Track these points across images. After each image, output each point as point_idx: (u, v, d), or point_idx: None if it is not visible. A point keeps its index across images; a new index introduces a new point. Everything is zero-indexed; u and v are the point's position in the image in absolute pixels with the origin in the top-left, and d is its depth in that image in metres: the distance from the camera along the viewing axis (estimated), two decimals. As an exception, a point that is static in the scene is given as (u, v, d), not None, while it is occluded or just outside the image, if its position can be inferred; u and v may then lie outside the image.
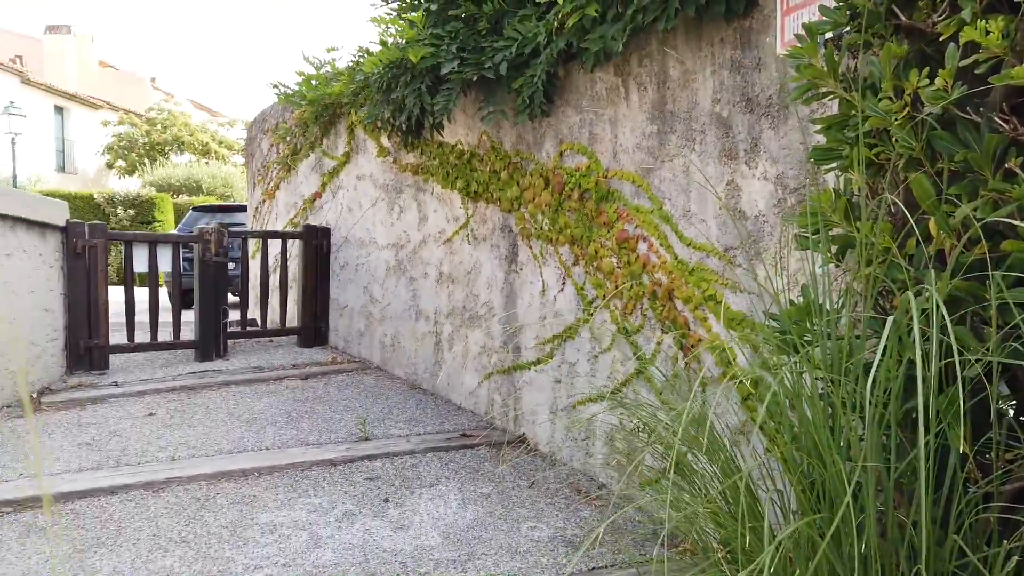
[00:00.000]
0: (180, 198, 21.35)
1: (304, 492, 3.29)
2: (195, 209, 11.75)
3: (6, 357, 4.42)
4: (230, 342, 6.00)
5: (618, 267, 3.19)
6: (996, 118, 1.51)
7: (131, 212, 18.83)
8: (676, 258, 2.86)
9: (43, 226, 4.87)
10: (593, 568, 2.59)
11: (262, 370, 5.38)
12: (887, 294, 1.73)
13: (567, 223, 3.52)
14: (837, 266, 1.92)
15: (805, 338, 1.77)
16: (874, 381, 1.41)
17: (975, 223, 1.45)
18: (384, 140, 5.27)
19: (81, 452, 3.71)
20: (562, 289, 3.61)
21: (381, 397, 4.80)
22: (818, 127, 1.91)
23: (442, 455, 3.78)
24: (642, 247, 3.04)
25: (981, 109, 1.55)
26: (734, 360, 2.54)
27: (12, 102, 19.49)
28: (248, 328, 6.32)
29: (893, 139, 1.67)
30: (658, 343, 2.97)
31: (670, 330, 2.86)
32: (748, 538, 1.41)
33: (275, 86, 5.86)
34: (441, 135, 4.49)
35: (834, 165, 1.87)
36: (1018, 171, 1.43)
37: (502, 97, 3.71)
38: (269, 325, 6.46)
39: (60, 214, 5.06)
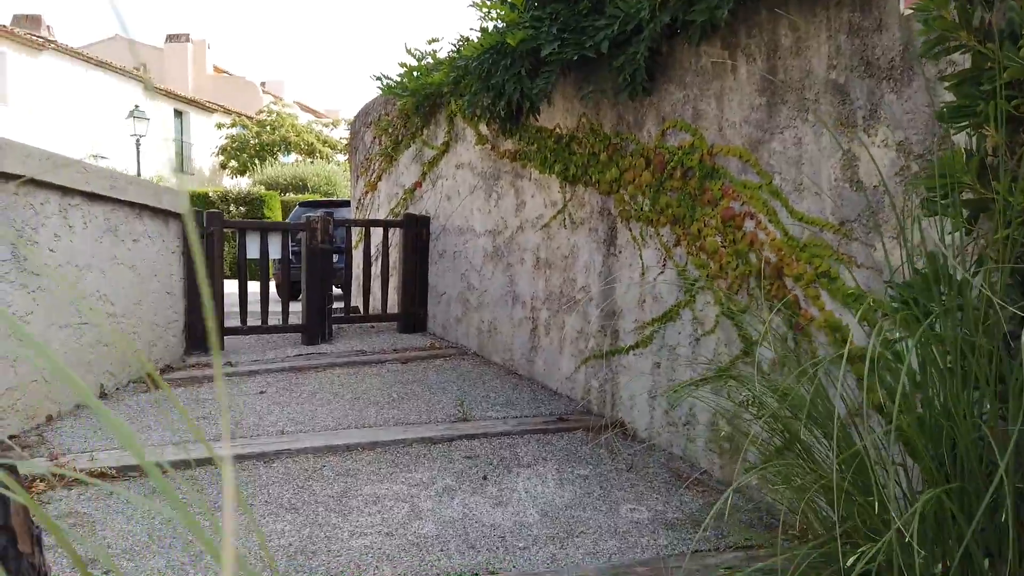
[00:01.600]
0: (287, 195, 22.29)
1: (405, 467, 3.36)
2: (301, 205, 12.25)
3: (134, 336, 4.73)
4: (334, 327, 6.21)
5: (723, 246, 3.09)
6: None
7: (242, 209, 19.82)
8: (786, 234, 2.74)
9: (166, 214, 5.18)
10: (696, 551, 2.52)
11: (364, 354, 5.54)
12: (1027, 258, 1.60)
13: (668, 203, 3.44)
14: (968, 232, 1.79)
15: (931, 308, 1.66)
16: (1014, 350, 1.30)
17: None
18: (482, 128, 5.32)
19: (199, 425, 3.92)
20: (662, 271, 3.54)
21: (478, 381, 4.85)
22: (947, 84, 1.78)
23: (539, 437, 3.78)
24: (749, 224, 2.94)
25: None
26: (850, 339, 2.41)
27: (137, 106, 20.85)
28: (351, 314, 6.53)
29: (1036, 89, 1.54)
30: (765, 323, 2.86)
31: (779, 309, 2.75)
32: (876, 507, 1.33)
33: (378, 78, 6.01)
34: (539, 119, 4.48)
35: (966, 123, 1.74)
36: None
37: (602, 77, 3.67)
38: (371, 311, 6.64)
39: (181, 202, 5.36)
